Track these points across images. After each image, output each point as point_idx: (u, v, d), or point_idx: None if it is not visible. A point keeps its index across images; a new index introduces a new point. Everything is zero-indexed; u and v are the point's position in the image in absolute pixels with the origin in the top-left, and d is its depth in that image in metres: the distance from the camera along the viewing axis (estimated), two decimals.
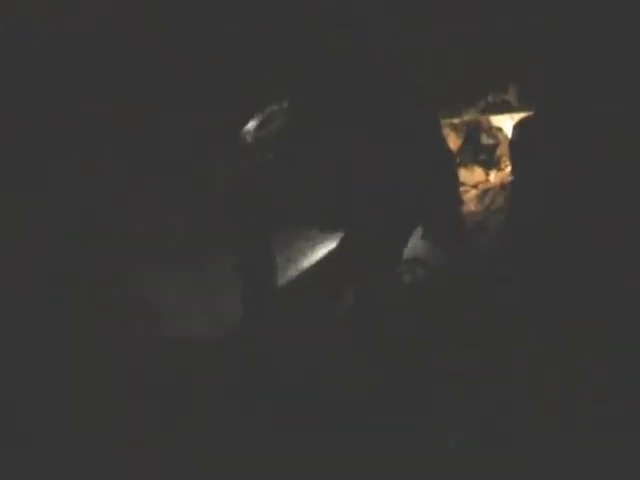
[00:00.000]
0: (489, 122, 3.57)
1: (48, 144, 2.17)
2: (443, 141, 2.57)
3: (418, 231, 2.76)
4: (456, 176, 2.77)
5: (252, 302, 2.45)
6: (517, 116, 3.17)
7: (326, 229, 2.82)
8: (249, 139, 3.23)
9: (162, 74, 2.29)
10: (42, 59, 2.11)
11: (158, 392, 2.10)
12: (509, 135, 3.19)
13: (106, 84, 2.21)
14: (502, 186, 3.32)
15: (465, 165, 3.53)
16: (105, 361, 2.18)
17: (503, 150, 3.45)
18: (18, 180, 2.14)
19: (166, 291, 2.62)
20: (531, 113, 2.91)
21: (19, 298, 2.19)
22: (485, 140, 3.59)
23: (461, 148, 3.57)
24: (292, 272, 3.07)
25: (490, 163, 3.53)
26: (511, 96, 3.31)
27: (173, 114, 2.38)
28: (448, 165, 2.52)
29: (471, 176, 3.50)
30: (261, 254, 2.48)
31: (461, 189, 3.34)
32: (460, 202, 2.77)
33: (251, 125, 3.13)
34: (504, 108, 3.40)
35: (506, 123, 3.44)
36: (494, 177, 3.48)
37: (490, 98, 3.35)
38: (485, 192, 3.35)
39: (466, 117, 3.53)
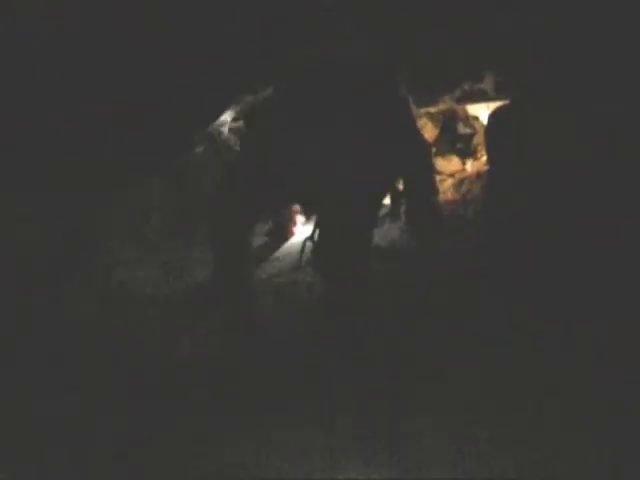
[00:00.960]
0: (465, 111, 3.63)
1: (48, 144, 2.16)
2: (419, 131, 2.61)
3: (392, 219, 2.80)
4: (432, 165, 2.80)
5: (230, 290, 2.49)
6: (493, 105, 3.20)
7: (303, 216, 2.85)
8: (227, 130, 3.23)
9: (162, 74, 2.28)
10: (42, 59, 2.09)
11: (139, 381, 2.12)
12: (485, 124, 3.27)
13: (106, 84, 2.19)
14: (478, 175, 3.40)
15: (442, 154, 3.61)
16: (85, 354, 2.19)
17: (479, 139, 3.56)
18: (18, 180, 2.12)
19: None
20: (507, 102, 2.92)
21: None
22: (462, 129, 3.65)
23: (438, 137, 3.64)
24: (270, 259, 3.11)
25: (467, 152, 3.61)
26: (487, 85, 3.32)
27: (171, 112, 2.37)
28: (424, 154, 2.57)
29: (448, 165, 3.57)
30: (240, 241, 2.50)
31: (438, 178, 3.44)
32: (436, 191, 2.82)
33: (228, 116, 3.13)
34: (480, 97, 3.42)
35: (482, 112, 3.51)
36: (471, 166, 3.56)
37: (466, 87, 3.37)
38: (462, 181, 3.45)
39: (442, 106, 3.56)
